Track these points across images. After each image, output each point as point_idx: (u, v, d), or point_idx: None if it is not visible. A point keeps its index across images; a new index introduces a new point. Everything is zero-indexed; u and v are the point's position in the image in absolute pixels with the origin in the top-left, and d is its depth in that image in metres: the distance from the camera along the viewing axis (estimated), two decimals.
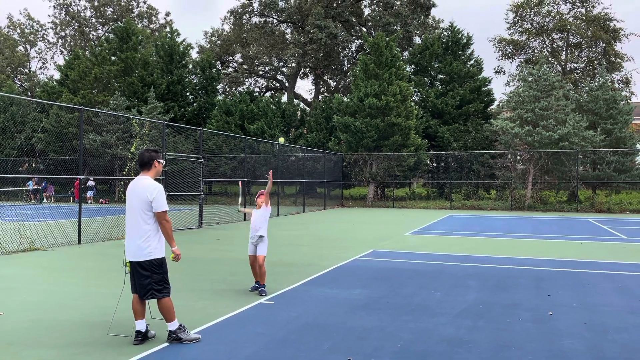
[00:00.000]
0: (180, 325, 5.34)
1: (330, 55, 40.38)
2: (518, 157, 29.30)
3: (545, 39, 39.42)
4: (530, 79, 30.49)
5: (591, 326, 5.94)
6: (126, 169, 14.67)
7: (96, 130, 33.46)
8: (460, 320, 6.17)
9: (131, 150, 15.12)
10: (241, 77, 44.78)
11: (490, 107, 36.18)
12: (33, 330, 5.75)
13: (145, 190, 5.25)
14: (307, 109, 39.60)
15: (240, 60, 46.53)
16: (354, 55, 43.32)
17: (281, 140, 10.76)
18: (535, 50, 40.17)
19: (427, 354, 4.96)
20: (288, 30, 42.31)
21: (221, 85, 44.74)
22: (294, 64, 40.39)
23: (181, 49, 42.30)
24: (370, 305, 6.87)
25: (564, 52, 39.15)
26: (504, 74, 45.46)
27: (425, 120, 33.81)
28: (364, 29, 42.87)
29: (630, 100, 32.43)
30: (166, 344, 5.26)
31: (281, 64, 44.71)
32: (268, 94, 47.72)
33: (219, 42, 46.65)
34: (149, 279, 5.23)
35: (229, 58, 48.00)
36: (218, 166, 34.73)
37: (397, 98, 30.19)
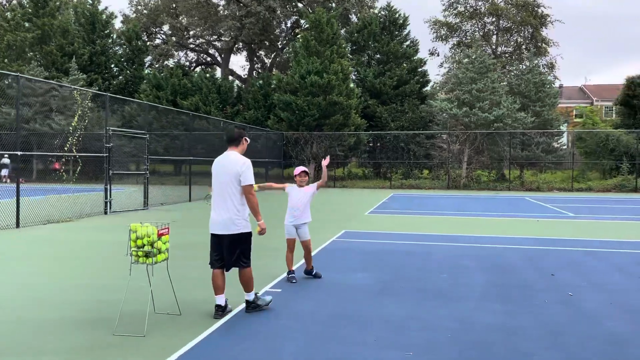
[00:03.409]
0: (256, 294, 5.54)
1: (266, 31, 39.17)
2: (455, 138, 29.97)
3: (478, 22, 40.55)
4: (466, 60, 31.18)
5: (620, 306, 5.89)
6: (67, 146, 13.24)
7: (9, 102, 30.51)
8: (488, 304, 5.92)
9: (72, 124, 13.68)
10: (171, 50, 42.49)
11: (425, 88, 36.73)
12: (22, 333, 4.86)
13: (236, 164, 5.31)
14: (242, 85, 38.30)
15: (169, 32, 44.10)
16: (290, 31, 42.35)
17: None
18: (468, 34, 41.26)
19: (489, 345, 4.64)
20: (222, 2, 40.54)
21: (149, 57, 42.25)
22: (228, 38, 38.77)
23: (104, 17, 39.47)
24: (386, 291, 6.49)
25: (494, 36, 40.48)
26: (438, 55, 46.40)
27: (363, 100, 33.76)
28: (300, 4, 41.96)
29: (554, 84, 34.05)
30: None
31: (214, 37, 42.87)
32: (198, 69, 45.71)
33: (145, 11, 43.94)
34: (238, 250, 5.34)
35: (156, 29, 45.39)
36: (149, 143, 32.83)
37: (338, 76, 29.86)
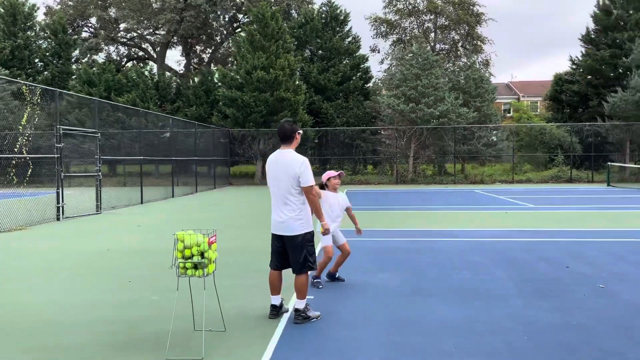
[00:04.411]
0: (307, 303, 5.21)
1: (205, 24, 37.84)
2: (402, 133, 30.34)
3: (416, 19, 41.32)
4: (409, 56, 31.65)
5: None
6: (17, 146, 11.97)
7: None
8: (532, 301, 5.80)
9: (22, 123, 12.37)
10: (102, 44, 40.11)
11: (368, 85, 36.96)
12: None
13: (294, 165, 5.07)
14: (180, 81, 36.82)
15: (97, 25, 41.62)
16: (228, 26, 41.18)
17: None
18: (407, 31, 41.97)
19: (572, 346, 4.46)
20: None
21: (76, 52, 39.69)
22: (164, 32, 37.06)
23: (26, 9, 36.66)
24: (420, 292, 6.22)
25: (432, 34, 41.41)
26: (379, 52, 46.87)
27: (309, 96, 33.44)
28: None
29: (490, 80, 35.30)
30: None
31: (148, 31, 40.90)
32: (130, 64, 43.53)
33: (70, 2, 41.20)
34: (304, 252, 5.12)
35: (84, 22, 42.72)
36: (81, 143, 30.86)
37: (285, 72, 29.34)
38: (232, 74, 30.85)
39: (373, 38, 46.09)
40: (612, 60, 33.76)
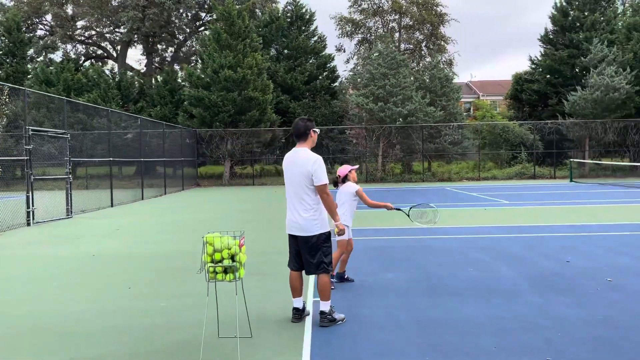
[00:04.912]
0: (332, 305, 5.04)
1: (168, 22, 36.94)
2: (372, 132, 30.44)
3: (381, 19, 41.55)
4: (375, 55, 31.78)
5: None
6: None
7: None
8: (551, 296, 5.80)
9: None
10: (58, 42, 38.57)
11: (334, 84, 36.94)
12: None
13: (306, 163, 4.95)
14: (143, 80, 35.80)
15: (53, 22, 40.02)
16: (191, 24, 40.30)
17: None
18: (372, 30, 42.14)
19: (616, 341, 4.45)
20: None
21: (31, 51, 38.06)
22: (126, 30, 35.89)
23: None
24: (436, 291, 6.14)
25: (397, 33, 41.72)
26: (344, 51, 46.95)
27: (276, 95, 33.14)
28: None
29: (453, 80, 35.84)
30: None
31: (108, 29, 39.57)
32: (87, 63, 42.06)
33: None
34: (320, 253, 4.97)
35: (39, 19, 41.02)
36: (40, 145, 29.62)
37: (253, 71, 28.99)
38: (198, 72, 30.24)
39: (338, 37, 46.11)
40: (570, 60, 34.85)
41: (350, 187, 6.49)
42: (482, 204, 16.47)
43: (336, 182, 6.55)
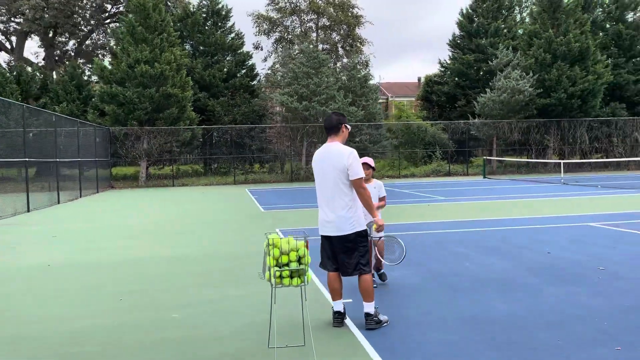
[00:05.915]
0: (376, 307, 4.79)
1: (73, 13, 34.16)
2: (296, 131, 30.23)
3: (298, 18, 41.42)
4: (296, 53, 31.68)
5: None
6: None
7: None
8: (565, 287, 5.92)
9: None
10: None
11: (253, 82, 36.30)
12: None
13: (341, 157, 4.68)
14: (44, 75, 32.84)
15: None
16: (96, 15, 37.55)
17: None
18: (289, 29, 41.88)
19: None
20: None
21: None
22: (21, 20, 32.66)
23: None
24: (456, 287, 6.07)
25: (314, 33, 41.83)
26: (262, 49, 46.21)
27: (194, 92, 31.92)
28: None
29: (370, 81, 36.60)
30: None
31: (1, 18, 35.79)
32: None
33: None
34: (356, 252, 4.70)
35: None
36: None
37: (172, 67, 27.69)
38: (110, 67, 28.34)
39: (256, 35, 45.16)
40: (476, 64, 36.94)
41: (373, 182, 6.23)
42: (419, 200, 16.85)
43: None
